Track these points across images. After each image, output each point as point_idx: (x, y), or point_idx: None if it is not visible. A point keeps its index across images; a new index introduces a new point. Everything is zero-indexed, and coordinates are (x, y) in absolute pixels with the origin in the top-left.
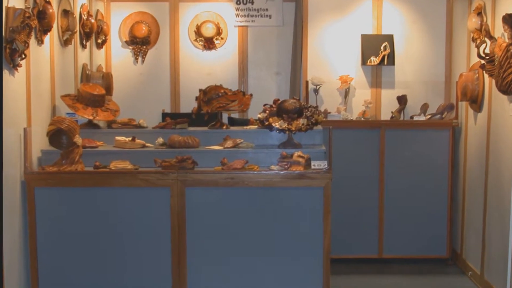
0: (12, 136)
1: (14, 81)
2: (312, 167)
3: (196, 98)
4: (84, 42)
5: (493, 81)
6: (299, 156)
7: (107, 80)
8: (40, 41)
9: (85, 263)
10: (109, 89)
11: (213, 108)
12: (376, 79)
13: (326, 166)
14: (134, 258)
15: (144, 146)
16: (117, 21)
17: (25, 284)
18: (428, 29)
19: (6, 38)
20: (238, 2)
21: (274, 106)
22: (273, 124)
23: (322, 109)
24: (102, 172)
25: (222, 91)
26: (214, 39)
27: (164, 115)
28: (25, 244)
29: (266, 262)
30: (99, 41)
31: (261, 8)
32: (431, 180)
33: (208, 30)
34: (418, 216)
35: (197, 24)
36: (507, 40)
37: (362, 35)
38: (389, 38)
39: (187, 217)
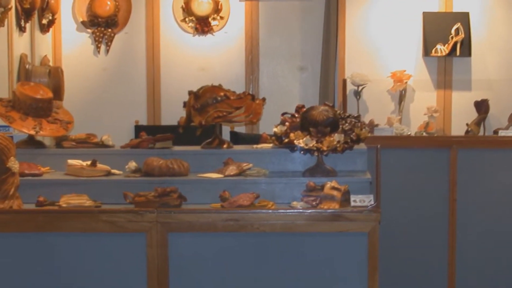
0: None
1: None
2: (352, 204)
3: (185, 105)
4: (22, 23)
5: None
6: (333, 188)
7: (55, 78)
8: None
9: None
10: (58, 91)
11: (209, 119)
12: (444, 77)
13: (373, 202)
14: None
15: (109, 173)
16: None
17: None
18: None
19: None
20: None
21: (297, 115)
22: (295, 141)
23: (366, 120)
24: (49, 211)
25: (222, 94)
26: (210, 19)
27: (138, 129)
28: None
29: None
30: (45, 21)
31: None
32: None
33: (202, 6)
34: (505, 272)
35: None
36: None
37: (424, 13)
38: (464, 18)
39: (170, 275)
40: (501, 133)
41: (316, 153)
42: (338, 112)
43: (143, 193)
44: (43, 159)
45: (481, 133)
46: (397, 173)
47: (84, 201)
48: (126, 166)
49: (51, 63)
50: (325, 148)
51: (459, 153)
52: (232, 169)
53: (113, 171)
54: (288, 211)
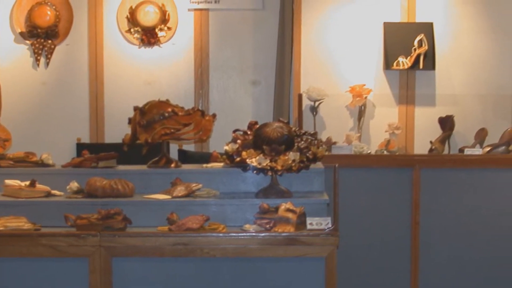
0: None
1: None
2: (308, 227)
3: (130, 121)
4: None
5: None
6: (288, 210)
7: None
8: None
9: None
10: None
11: (156, 136)
12: (406, 92)
13: (330, 225)
14: None
15: (49, 194)
16: (7, 2)
17: None
18: (487, 15)
19: None
20: None
21: (249, 133)
22: (248, 160)
23: (323, 137)
24: None
25: (170, 109)
26: (157, 30)
27: (80, 147)
28: None
29: None
30: None
31: None
32: (493, 246)
33: (148, 16)
34: None
35: (131, 7)
36: None
37: (385, 23)
38: (427, 29)
39: None
40: (467, 151)
41: (270, 173)
42: (293, 129)
43: (85, 215)
44: None
45: (445, 152)
46: (356, 194)
47: (22, 224)
48: (68, 187)
49: None
50: (279, 168)
51: (422, 173)
52: (180, 190)
53: (54, 192)
54: (240, 234)
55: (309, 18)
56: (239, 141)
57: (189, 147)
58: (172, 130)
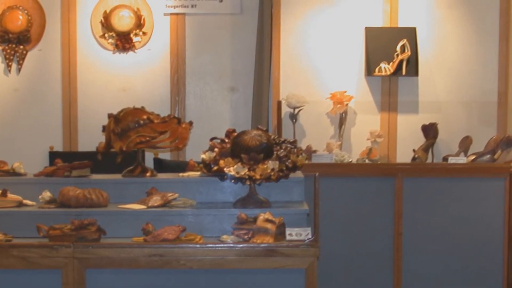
0: None
1: None
2: (288, 237)
3: (104, 129)
4: None
5: None
6: (267, 221)
7: None
8: None
9: None
10: None
11: (131, 145)
12: (389, 99)
13: (310, 236)
14: None
15: (20, 204)
16: None
17: None
18: (472, 20)
19: None
20: None
21: (227, 141)
22: (225, 169)
23: (303, 145)
24: None
25: (145, 117)
26: (132, 35)
27: (53, 156)
28: None
29: None
30: None
31: None
32: (478, 257)
33: (123, 21)
34: None
35: (105, 11)
36: None
37: (367, 28)
38: (410, 34)
39: None
40: (451, 160)
41: (248, 182)
42: (272, 137)
43: (58, 225)
44: None
45: (429, 160)
46: (337, 203)
47: None
48: (40, 196)
49: None
50: (258, 177)
51: (405, 182)
52: (156, 200)
53: (25, 201)
54: (217, 245)
55: (289, 23)
56: (216, 149)
57: (165, 155)
58: (148, 138)
